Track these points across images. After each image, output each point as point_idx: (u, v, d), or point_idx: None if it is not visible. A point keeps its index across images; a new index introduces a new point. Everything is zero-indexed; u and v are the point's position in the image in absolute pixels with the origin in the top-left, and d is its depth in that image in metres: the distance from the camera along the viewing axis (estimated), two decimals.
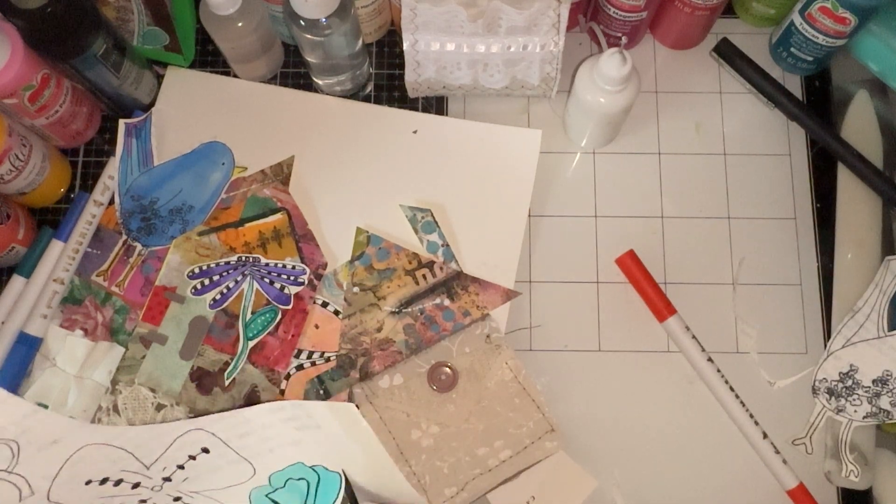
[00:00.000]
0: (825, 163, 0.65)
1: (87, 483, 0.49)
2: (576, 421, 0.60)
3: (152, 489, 0.51)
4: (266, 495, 0.53)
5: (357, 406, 0.58)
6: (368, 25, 0.65)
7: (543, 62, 0.61)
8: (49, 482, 0.48)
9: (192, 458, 0.50)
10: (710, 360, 0.60)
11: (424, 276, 0.61)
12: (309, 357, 0.60)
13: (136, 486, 0.51)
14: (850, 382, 0.59)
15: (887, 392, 0.58)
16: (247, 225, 0.62)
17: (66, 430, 0.47)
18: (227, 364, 0.59)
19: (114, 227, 0.62)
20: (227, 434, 0.50)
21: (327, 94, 0.66)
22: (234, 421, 0.49)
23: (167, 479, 0.51)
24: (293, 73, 0.68)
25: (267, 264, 0.61)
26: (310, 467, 0.52)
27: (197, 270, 0.61)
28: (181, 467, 0.51)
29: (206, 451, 0.50)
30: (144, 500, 0.52)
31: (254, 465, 0.51)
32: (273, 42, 0.64)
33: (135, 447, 0.49)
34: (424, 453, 0.58)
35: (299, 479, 0.52)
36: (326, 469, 0.52)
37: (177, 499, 0.52)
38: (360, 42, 0.62)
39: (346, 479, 0.52)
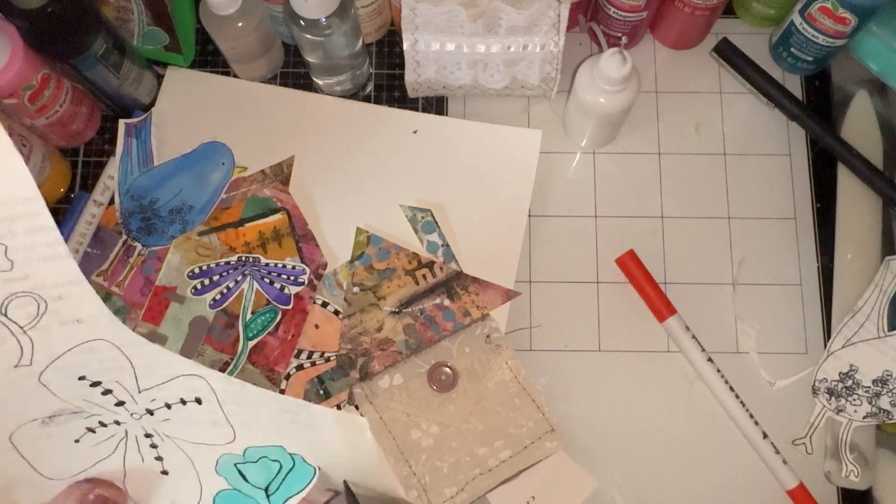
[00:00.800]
0: (825, 163, 0.65)
1: (81, 378, 0.49)
2: (576, 421, 0.60)
3: (132, 415, 0.51)
4: (234, 464, 0.53)
5: (357, 407, 0.58)
6: (368, 25, 0.65)
7: (543, 62, 0.61)
8: (49, 361, 0.48)
9: (183, 402, 0.50)
10: (710, 360, 0.60)
11: (424, 276, 0.61)
12: (309, 357, 0.60)
13: (119, 403, 0.50)
14: (850, 382, 0.59)
15: (887, 392, 0.58)
16: (247, 225, 0.62)
17: (94, 314, 0.46)
18: (226, 364, 0.59)
19: (114, 227, 0.62)
20: (224, 395, 0.50)
21: (327, 94, 0.66)
22: (237, 388, 0.49)
23: (149, 412, 0.51)
24: (293, 73, 0.68)
25: (267, 264, 0.61)
26: (289, 454, 0.52)
27: (197, 270, 0.61)
28: (168, 406, 0.50)
29: (198, 401, 0.50)
30: (119, 423, 0.52)
31: (236, 433, 0.52)
32: (273, 42, 0.64)
33: (141, 364, 0.49)
34: (424, 453, 0.58)
35: (274, 460, 0.52)
36: (304, 461, 0.52)
37: (148, 434, 0.52)
38: (360, 42, 0.62)
39: (349, 488, 0.53)
